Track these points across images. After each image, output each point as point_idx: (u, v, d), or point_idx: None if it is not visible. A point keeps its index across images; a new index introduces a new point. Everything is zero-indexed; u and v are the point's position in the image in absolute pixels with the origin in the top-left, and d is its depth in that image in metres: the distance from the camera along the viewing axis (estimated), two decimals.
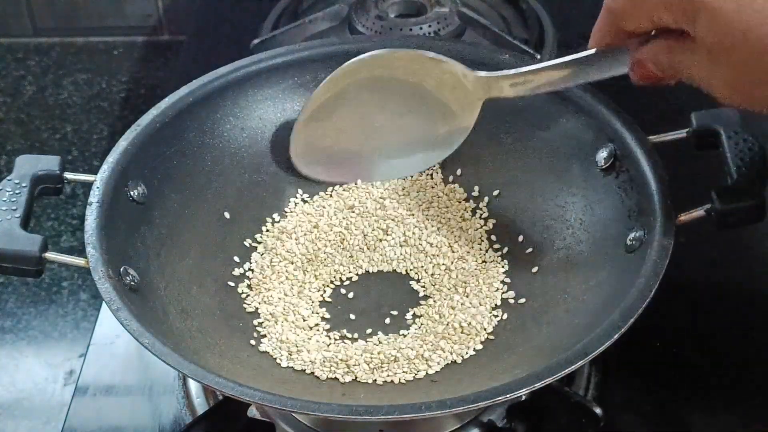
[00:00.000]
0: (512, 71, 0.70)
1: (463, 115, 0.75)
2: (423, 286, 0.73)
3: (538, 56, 0.92)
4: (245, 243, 0.75)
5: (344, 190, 0.78)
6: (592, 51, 0.65)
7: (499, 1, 1.03)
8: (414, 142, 0.77)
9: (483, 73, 0.71)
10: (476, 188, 0.77)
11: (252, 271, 0.74)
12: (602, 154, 0.71)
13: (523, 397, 0.66)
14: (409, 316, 0.71)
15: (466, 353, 0.67)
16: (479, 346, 0.68)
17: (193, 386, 0.74)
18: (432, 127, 0.76)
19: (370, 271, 0.74)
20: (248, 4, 1.09)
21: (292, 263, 0.74)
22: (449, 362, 0.67)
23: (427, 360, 0.67)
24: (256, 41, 0.96)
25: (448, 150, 0.77)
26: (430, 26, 0.94)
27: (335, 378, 0.66)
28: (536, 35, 0.97)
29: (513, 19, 1.01)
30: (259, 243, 0.75)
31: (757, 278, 0.79)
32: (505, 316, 0.70)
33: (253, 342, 0.69)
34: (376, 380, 0.66)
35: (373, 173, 0.78)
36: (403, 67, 0.74)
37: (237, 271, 0.73)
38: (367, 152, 0.78)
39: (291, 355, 0.67)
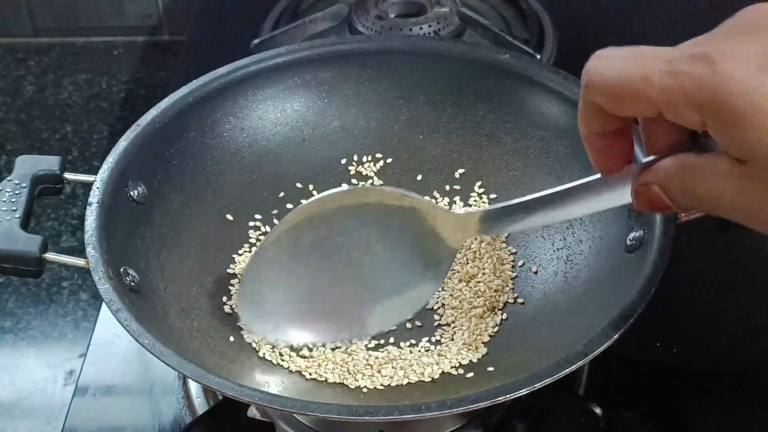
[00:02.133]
0: (496, 207, 0.61)
1: (439, 258, 0.65)
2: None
3: (538, 56, 0.92)
4: (245, 243, 0.75)
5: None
6: (590, 179, 0.55)
7: (499, 1, 1.03)
8: (387, 289, 0.67)
9: (461, 212, 0.66)
10: (476, 188, 0.77)
11: None
12: None
13: (523, 397, 0.66)
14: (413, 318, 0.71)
15: (467, 360, 0.68)
16: (481, 347, 0.68)
17: (193, 386, 0.74)
18: (416, 260, 0.66)
19: None
20: (248, 4, 1.09)
21: None
22: (452, 366, 0.67)
23: (427, 365, 0.67)
24: (256, 41, 0.96)
25: (432, 287, 0.68)
26: (430, 26, 0.94)
27: (335, 379, 0.66)
28: (536, 35, 0.97)
29: (513, 19, 1.01)
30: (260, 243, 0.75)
31: (757, 278, 0.79)
32: (504, 317, 0.70)
33: (254, 345, 0.69)
34: (376, 382, 0.66)
35: (351, 328, 0.68)
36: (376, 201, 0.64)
37: (237, 271, 0.73)
38: (342, 304, 0.67)
39: (283, 357, 0.68)
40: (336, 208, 0.64)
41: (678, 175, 0.47)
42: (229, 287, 0.72)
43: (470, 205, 0.77)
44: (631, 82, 0.45)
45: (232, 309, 0.71)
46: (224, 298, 0.71)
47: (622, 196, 0.52)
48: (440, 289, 0.72)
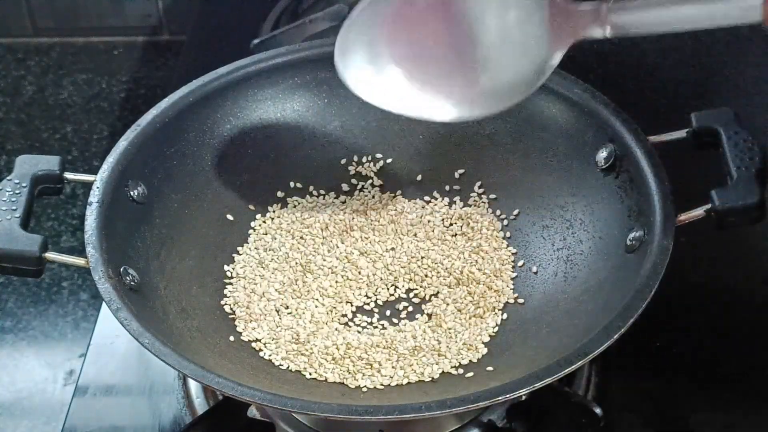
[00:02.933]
0: (618, 4, 0.60)
1: (551, 42, 0.64)
2: (429, 286, 0.73)
3: None
4: (245, 243, 0.75)
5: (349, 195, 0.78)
6: None
7: None
8: (496, 65, 0.65)
9: (585, 4, 0.63)
10: (476, 189, 0.77)
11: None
12: (602, 155, 0.71)
13: (523, 397, 0.66)
14: (414, 313, 0.71)
15: (466, 360, 0.67)
16: (481, 347, 0.68)
17: (193, 386, 0.74)
18: (521, 55, 0.65)
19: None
20: (248, 4, 1.09)
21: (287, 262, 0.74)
22: (452, 366, 0.67)
23: (427, 365, 0.67)
24: (256, 41, 0.96)
25: (526, 90, 0.66)
26: None
27: (335, 379, 0.66)
28: None
29: None
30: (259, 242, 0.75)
31: (757, 278, 0.79)
32: (505, 316, 0.70)
33: (255, 344, 0.69)
34: (376, 381, 0.66)
35: (443, 102, 0.65)
36: None
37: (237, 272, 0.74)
38: (423, 80, 0.65)
39: (283, 356, 0.68)
40: None
41: None
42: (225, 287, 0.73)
43: (470, 206, 0.77)
44: None
45: (231, 309, 0.71)
46: (223, 299, 0.71)
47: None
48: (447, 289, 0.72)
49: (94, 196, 0.68)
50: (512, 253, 0.74)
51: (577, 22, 0.62)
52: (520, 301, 0.71)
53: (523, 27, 0.64)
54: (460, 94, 0.65)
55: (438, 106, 0.65)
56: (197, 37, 1.11)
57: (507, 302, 0.71)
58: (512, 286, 0.72)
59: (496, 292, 0.71)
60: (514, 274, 0.73)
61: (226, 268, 0.73)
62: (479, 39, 0.64)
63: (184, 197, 0.74)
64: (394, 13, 0.64)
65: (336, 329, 0.69)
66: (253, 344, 0.68)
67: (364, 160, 0.79)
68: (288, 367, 0.67)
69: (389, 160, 0.79)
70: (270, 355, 0.68)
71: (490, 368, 0.66)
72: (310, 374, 0.66)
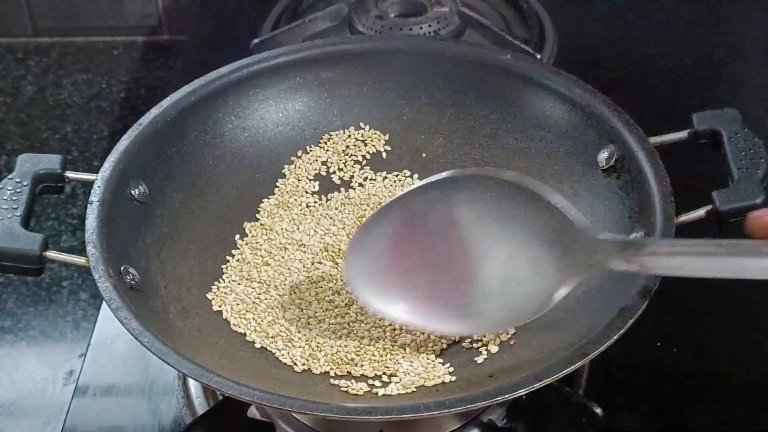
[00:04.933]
0: (649, 246, 0.57)
1: (562, 275, 0.61)
2: None
3: (538, 56, 0.92)
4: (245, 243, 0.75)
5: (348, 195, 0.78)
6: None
7: (499, 1, 1.03)
8: (502, 291, 0.62)
9: (610, 237, 0.60)
10: None
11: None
12: (603, 155, 0.71)
13: (523, 397, 0.66)
14: None
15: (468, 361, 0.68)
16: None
17: (193, 386, 0.74)
18: (527, 276, 0.61)
19: None
20: (248, 4, 1.09)
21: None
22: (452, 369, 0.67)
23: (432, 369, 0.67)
24: (256, 41, 0.96)
25: (532, 313, 0.63)
26: (430, 26, 0.94)
27: (334, 376, 0.66)
28: (536, 35, 0.98)
29: (513, 18, 1.01)
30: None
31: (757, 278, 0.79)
32: None
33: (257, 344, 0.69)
34: (375, 386, 0.65)
35: (448, 321, 0.64)
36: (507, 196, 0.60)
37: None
38: (442, 291, 0.63)
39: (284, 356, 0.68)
40: (462, 189, 0.60)
41: None
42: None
43: None
44: None
45: (229, 313, 0.71)
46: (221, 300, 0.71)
47: None
48: None
49: (95, 195, 0.68)
50: None
51: (600, 257, 0.59)
52: None
53: (534, 262, 0.61)
54: (463, 316, 0.63)
55: (443, 325, 0.64)
56: (197, 37, 1.11)
57: None
58: None
59: None
60: None
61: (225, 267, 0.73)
62: (482, 271, 0.62)
63: (185, 196, 0.74)
64: (397, 238, 0.63)
65: (336, 329, 0.69)
66: (257, 343, 0.68)
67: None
68: (289, 366, 0.67)
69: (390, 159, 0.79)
70: (279, 355, 0.67)
71: (489, 368, 0.66)
72: (309, 371, 0.66)
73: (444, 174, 0.62)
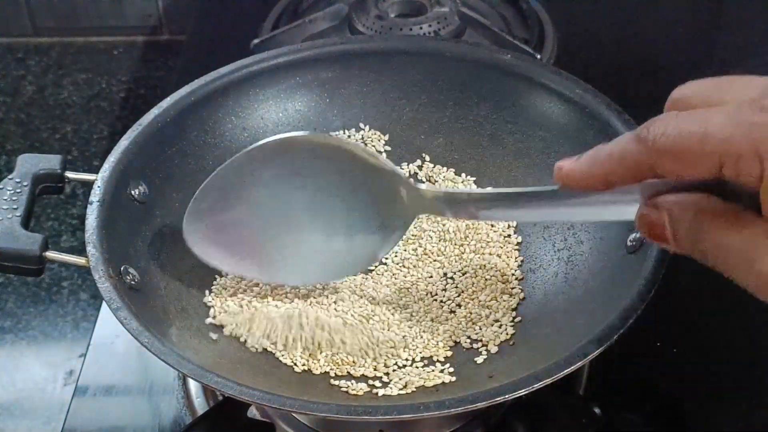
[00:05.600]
0: (460, 192, 0.62)
1: (393, 224, 0.66)
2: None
3: (539, 56, 0.92)
4: None
5: None
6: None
7: (499, 1, 1.03)
8: (337, 240, 0.67)
9: (424, 188, 0.63)
10: (476, 189, 0.77)
11: None
12: None
13: (523, 397, 0.66)
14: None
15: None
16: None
17: (193, 386, 0.74)
18: (372, 219, 0.66)
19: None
20: (248, 4, 1.09)
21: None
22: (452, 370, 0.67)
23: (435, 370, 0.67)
24: (256, 41, 0.96)
25: (370, 260, 0.69)
26: (430, 26, 0.94)
27: (334, 377, 0.66)
28: (536, 35, 0.98)
29: (513, 19, 1.01)
30: None
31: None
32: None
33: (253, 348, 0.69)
34: (375, 386, 0.66)
35: (285, 274, 0.69)
36: (332, 154, 0.64)
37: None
38: (279, 247, 0.68)
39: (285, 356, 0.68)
40: (302, 149, 0.64)
41: (696, 216, 0.45)
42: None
43: None
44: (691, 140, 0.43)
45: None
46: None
47: (619, 210, 0.49)
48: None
49: (95, 195, 0.68)
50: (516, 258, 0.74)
51: (426, 206, 0.63)
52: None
53: (365, 214, 0.66)
54: (296, 269, 0.68)
55: (273, 277, 0.69)
56: (197, 37, 1.11)
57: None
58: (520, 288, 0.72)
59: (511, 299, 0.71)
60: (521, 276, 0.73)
61: None
62: (316, 226, 0.67)
63: (185, 197, 0.73)
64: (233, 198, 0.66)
65: (338, 328, 0.69)
66: (252, 347, 0.68)
67: None
68: (290, 366, 0.67)
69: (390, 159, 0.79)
70: (279, 355, 0.67)
71: (489, 368, 0.66)
72: (309, 371, 0.66)
73: (276, 137, 0.65)
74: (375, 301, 0.70)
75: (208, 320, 0.68)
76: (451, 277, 0.72)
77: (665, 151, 0.43)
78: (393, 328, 0.68)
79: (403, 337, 0.68)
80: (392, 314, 0.69)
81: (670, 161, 0.43)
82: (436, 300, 0.71)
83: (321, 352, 0.67)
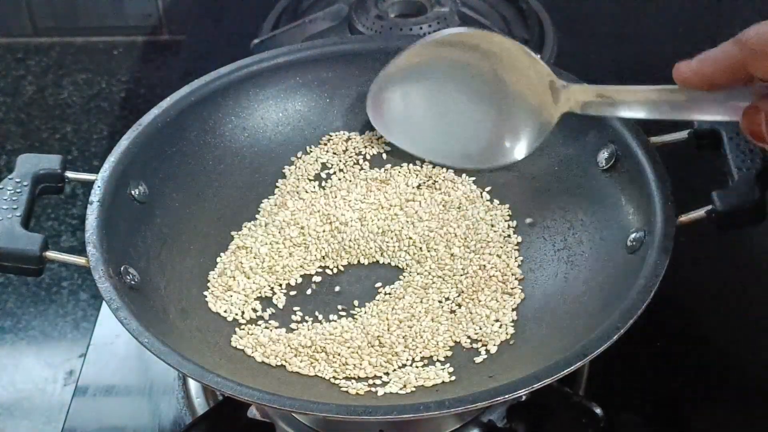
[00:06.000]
0: (604, 88, 0.67)
1: (539, 122, 0.72)
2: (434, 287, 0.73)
3: (538, 56, 0.92)
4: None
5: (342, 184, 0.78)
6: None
7: (499, 1, 1.03)
8: (486, 136, 0.75)
9: (575, 86, 0.69)
10: (476, 189, 0.77)
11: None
12: (603, 155, 0.71)
13: (523, 397, 0.66)
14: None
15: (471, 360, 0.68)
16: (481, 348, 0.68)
17: (193, 386, 0.74)
18: (505, 125, 0.74)
19: (366, 263, 0.74)
20: (248, 4, 1.09)
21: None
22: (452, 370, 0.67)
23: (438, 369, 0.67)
24: (256, 41, 0.96)
25: (514, 155, 0.75)
26: (430, 26, 0.94)
27: (334, 376, 0.66)
28: (536, 35, 0.97)
29: (513, 18, 1.01)
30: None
31: (757, 278, 0.79)
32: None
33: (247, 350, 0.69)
34: (375, 386, 0.65)
35: (443, 155, 0.77)
36: (488, 53, 0.72)
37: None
38: (439, 132, 0.76)
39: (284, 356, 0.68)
40: (466, 44, 0.72)
41: None
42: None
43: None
44: None
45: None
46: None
47: (733, 110, 0.54)
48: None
49: (95, 195, 0.68)
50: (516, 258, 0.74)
51: (571, 102, 0.69)
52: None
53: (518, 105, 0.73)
54: (472, 149, 0.76)
55: (456, 158, 0.77)
56: (197, 37, 1.11)
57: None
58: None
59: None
60: (522, 277, 0.72)
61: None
62: (489, 99, 0.74)
63: (185, 197, 0.74)
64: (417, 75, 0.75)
65: (338, 328, 0.69)
66: (247, 350, 0.68)
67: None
68: (287, 367, 0.67)
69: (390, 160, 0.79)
70: (267, 355, 0.67)
71: (489, 368, 0.66)
72: (308, 373, 0.66)
73: (445, 32, 0.74)
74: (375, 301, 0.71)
75: (234, 343, 0.68)
76: (451, 277, 0.72)
77: (758, 51, 0.49)
78: (393, 328, 0.68)
79: (403, 337, 0.68)
80: (392, 313, 0.69)
81: (760, 60, 0.49)
82: (436, 300, 0.71)
83: (321, 352, 0.67)
